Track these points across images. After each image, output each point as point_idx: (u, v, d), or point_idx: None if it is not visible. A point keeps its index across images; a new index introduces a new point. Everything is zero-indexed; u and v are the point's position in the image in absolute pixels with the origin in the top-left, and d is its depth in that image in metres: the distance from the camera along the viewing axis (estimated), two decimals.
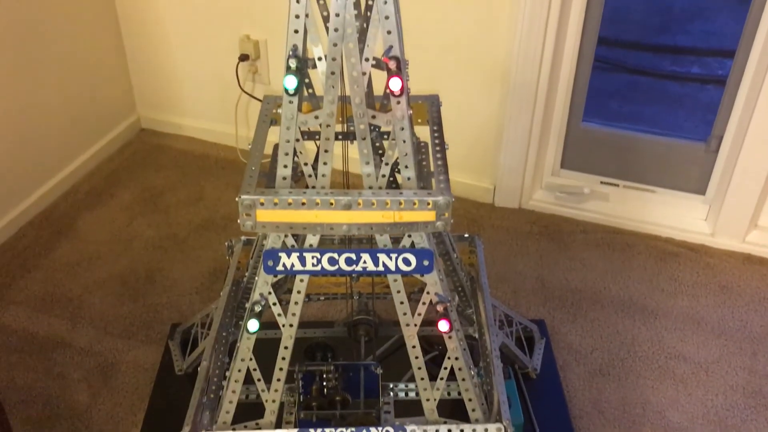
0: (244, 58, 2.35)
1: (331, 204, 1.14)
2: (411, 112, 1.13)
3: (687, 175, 2.24)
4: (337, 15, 1.07)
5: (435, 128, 1.33)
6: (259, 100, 2.41)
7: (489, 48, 2.12)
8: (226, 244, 1.63)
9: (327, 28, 1.16)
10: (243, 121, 2.51)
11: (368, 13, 1.19)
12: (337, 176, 1.20)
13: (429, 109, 1.36)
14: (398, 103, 1.11)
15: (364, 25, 1.20)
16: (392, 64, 1.07)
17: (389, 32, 1.07)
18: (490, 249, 2.17)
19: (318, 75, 1.16)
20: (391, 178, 1.32)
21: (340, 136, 1.35)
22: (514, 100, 2.17)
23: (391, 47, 1.08)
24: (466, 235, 1.63)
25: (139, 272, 2.07)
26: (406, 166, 1.16)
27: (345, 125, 1.36)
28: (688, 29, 3.20)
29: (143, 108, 2.63)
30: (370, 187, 1.17)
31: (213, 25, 2.37)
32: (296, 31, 1.09)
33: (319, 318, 1.88)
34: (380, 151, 1.34)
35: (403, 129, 1.12)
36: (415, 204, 1.14)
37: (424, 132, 1.36)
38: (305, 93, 1.32)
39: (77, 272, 2.07)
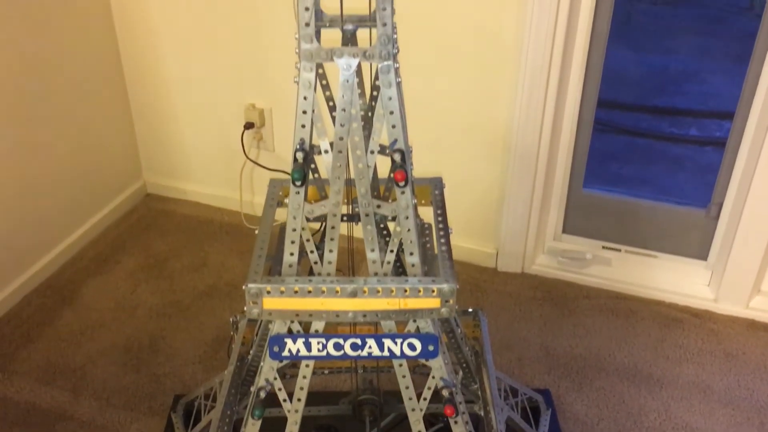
0: (249, 126, 2.39)
1: (337, 292, 1.15)
2: (415, 200, 1.15)
3: (688, 241, 2.25)
4: (344, 110, 1.10)
5: (438, 211, 1.35)
6: (264, 167, 2.45)
7: (490, 116, 2.16)
8: (231, 320, 1.64)
9: (333, 118, 1.19)
10: (247, 187, 2.54)
11: (373, 103, 1.22)
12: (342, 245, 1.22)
13: (432, 191, 1.38)
14: (403, 193, 1.13)
15: (369, 113, 1.23)
16: (397, 156, 1.10)
17: (393, 126, 1.10)
18: (494, 315, 2.18)
19: (323, 161, 1.19)
20: (398, 263, 1.33)
21: (345, 218, 1.37)
22: (516, 165, 2.20)
23: (395, 140, 1.11)
24: (470, 310, 1.64)
25: (143, 341, 2.07)
26: (411, 253, 1.17)
27: (350, 206, 1.38)
28: (684, 90, 3.26)
29: (149, 173, 2.66)
30: (375, 274, 1.18)
31: (219, 93, 2.42)
32: (303, 126, 1.12)
33: (323, 387, 1.87)
34: (385, 231, 1.36)
35: (407, 218, 1.14)
36: (420, 291, 1.15)
37: (427, 212, 1.38)
38: (310, 176, 1.34)
39: (80, 341, 2.07)
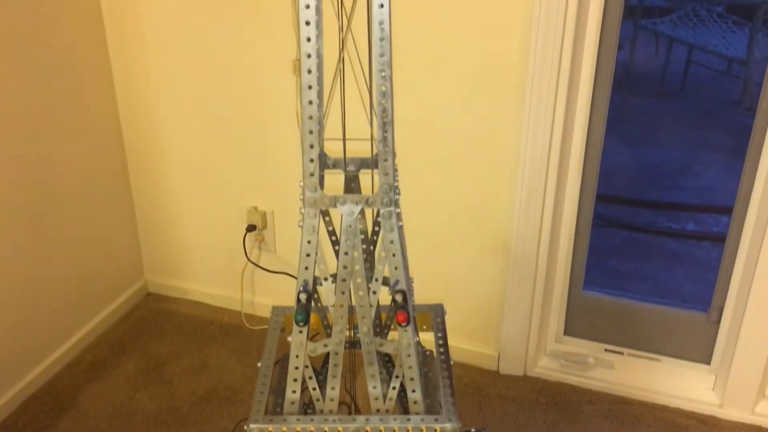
0: (251, 228, 2.42)
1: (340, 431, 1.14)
2: (418, 338, 1.16)
3: (691, 344, 2.24)
4: (346, 254, 1.12)
5: (440, 335, 1.35)
6: (266, 270, 2.47)
7: (489, 220, 2.19)
8: None
9: (333, 243, 1.22)
10: (248, 287, 2.55)
11: (375, 237, 1.25)
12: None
13: (433, 318, 1.39)
14: (405, 331, 1.14)
15: (371, 247, 1.25)
16: (399, 297, 1.11)
17: (396, 268, 1.12)
18: (497, 421, 2.14)
19: (324, 290, 1.20)
20: (402, 392, 1.33)
21: (347, 344, 1.37)
22: (515, 269, 2.21)
23: (397, 281, 1.13)
24: (473, 430, 1.61)
25: None
26: (413, 390, 1.17)
27: (352, 332, 1.38)
28: (680, 184, 3.31)
29: (150, 273, 2.68)
30: (378, 410, 1.18)
31: (222, 196, 2.45)
32: (306, 268, 1.14)
33: None
34: (386, 358, 1.36)
35: (409, 356, 1.15)
36: (422, 431, 1.14)
37: (428, 337, 1.39)
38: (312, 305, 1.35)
39: None
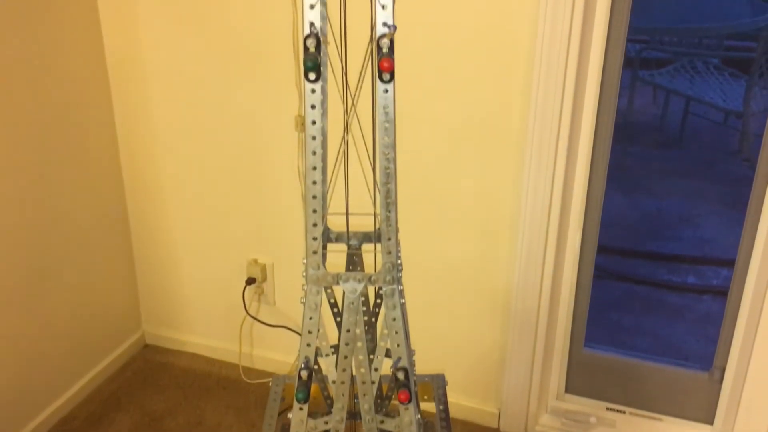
0: (251, 281, 2.41)
1: None
2: (419, 416, 1.15)
3: (693, 404, 2.21)
4: (348, 331, 1.11)
5: (441, 407, 1.34)
6: (265, 324, 2.45)
7: (489, 276, 2.18)
8: None
9: (337, 323, 1.21)
10: (247, 340, 2.53)
11: (377, 310, 1.24)
12: None
13: (435, 389, 1.38)
14: (406, 409, 1.12)
15: (373, 319, 1.25)
16: (400, 375, 1.10)
17: (398, 345, 1.11)
18: None
19: (324, 362, 1.19)
20: None
21: (347, 415, 1.36)
22: (516, 326, 2.19)
23: (399, 358, 1.12)
24: None
25: None
26: None
27: (352, 402, 1.37)
28: (680, 236, 3.32)
29: (148, 324, 2.66)
30: None
31: (222, 247, 2.45)
32: (308, 345, 1.13)
33: None
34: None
35: None
36: None
37: (430, 407, 1.37)
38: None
39: None
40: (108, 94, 2.34)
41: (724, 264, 3.05)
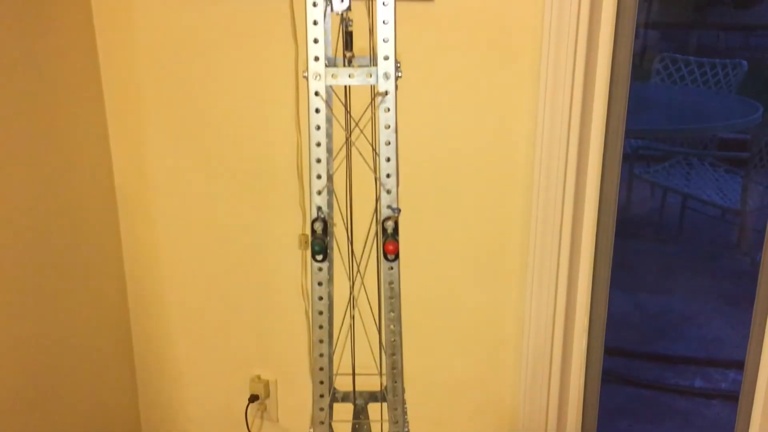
0: (254, 399, 2.38)
1: None
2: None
3: None
4: None
5: None
6: None
7: (494, 394, 2.16)
8: None
9: None
10: None
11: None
12: None
13: None
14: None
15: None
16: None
17: None
18: None
19: None
20: None
21: None
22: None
23: None
24: None
25: None
26: None
27: None
28: (684, 335, 3.30)
29: None
30: None
31: (225, 364, 2.43)
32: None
33: None
34: None
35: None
36: None
37: None
38: None
39: None
40: (115, 212, 2.38)
41: (731, 366, 3.02)
